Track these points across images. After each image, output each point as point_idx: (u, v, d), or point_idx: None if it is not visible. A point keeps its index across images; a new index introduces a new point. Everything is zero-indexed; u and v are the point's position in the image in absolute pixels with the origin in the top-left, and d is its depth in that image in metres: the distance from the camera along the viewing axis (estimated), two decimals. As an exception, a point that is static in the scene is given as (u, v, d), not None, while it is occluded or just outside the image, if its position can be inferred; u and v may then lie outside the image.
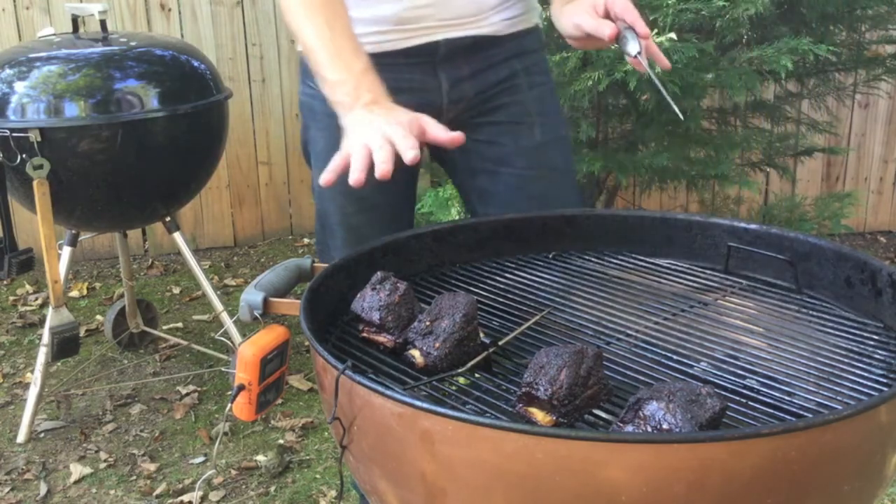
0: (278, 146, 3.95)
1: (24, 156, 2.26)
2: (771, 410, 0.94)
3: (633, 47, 1.31)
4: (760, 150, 3.31)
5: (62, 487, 2.33)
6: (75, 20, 2.61)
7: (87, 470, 2.39)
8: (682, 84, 2.56)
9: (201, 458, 2.45)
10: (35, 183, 2.27)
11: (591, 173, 2.87)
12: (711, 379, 1.00)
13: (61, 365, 2.90)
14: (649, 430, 0.84)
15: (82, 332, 3.07)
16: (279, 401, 2.14)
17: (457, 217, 2.90)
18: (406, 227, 1.64)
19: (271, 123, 3.92)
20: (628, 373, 1.02)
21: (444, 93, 1.54)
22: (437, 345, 1.03)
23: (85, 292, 3.57)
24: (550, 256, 1.40)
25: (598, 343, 1.11)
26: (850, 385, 0.98)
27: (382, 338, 1.10)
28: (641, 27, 1.31)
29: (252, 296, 1.11)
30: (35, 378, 2.53)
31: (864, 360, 1.05)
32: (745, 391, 0.98)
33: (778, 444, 0.80)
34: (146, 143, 2.42)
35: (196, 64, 2.57)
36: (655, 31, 2.49)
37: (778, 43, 2.64)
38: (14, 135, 2.25)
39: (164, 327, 3.18)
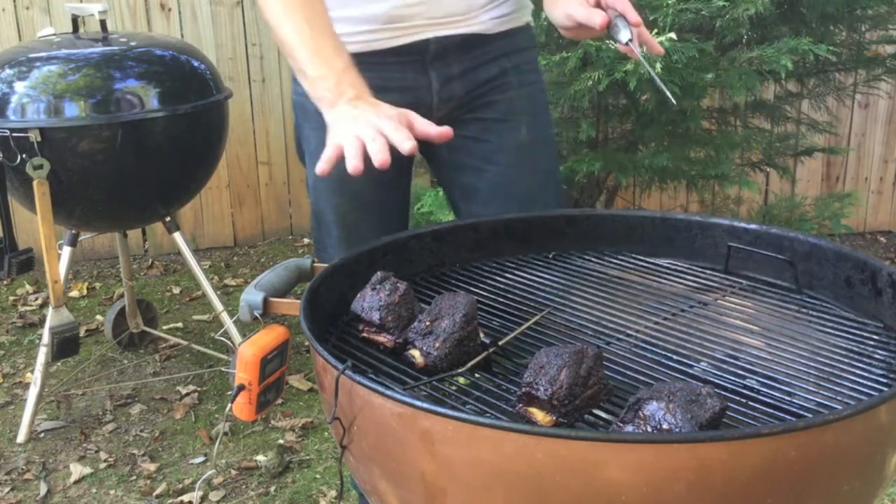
0: (278, 146, 3.95)
1: (24, 156, 2.26)
2: (771, 410, 0.94)
3: (624, 35, 1.32)
4: (760, 150, 3.30)
5: (62, 487, 2.33)
6: (75, 20, 2.61)
7: (87, 470, 2.39)
8: (682, 84, 2.56)
9: (201, 458, 2.44)
10: (35, 183, 2.27)
11: (591, 173, 2.87)
12: (711, 379, 1.00)
13: (61, 365, 2.90)
14: (649, 430, 0.84)
15: (82, 332, 3.07)
16: (279, 401, 2.14)
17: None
18: (401, 225, 1.64)
19: (271, 123, 3.92)
20: (628, 373, 1.02)
21: (435, 92, 1.54)
22: (437, 345, 1.03)
23: (85, 292, 3.57)
24: (550, 256, 1.40)
25: (598, 343, 1.11)
26: (850, 385, 0.98)
27: (382, 338, 1.10)
28: (632, 15, 1.32)
29: (252, 296, 1.11)
30: (35, 378, 2.53)
31: (864, 360, 1.05)
32: (745, 391, 0.98)
33: (778, 444, 0.80)
34: (146, 143, 2.42)
35: (196, 64, 2.57)
36: (655, 31, 2.49)
37: (778, 43, 2.64)
38: (14, 135, 2.25)
39: (164, 327, 3.18)
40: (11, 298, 3.50)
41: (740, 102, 3.07)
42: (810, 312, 1.18)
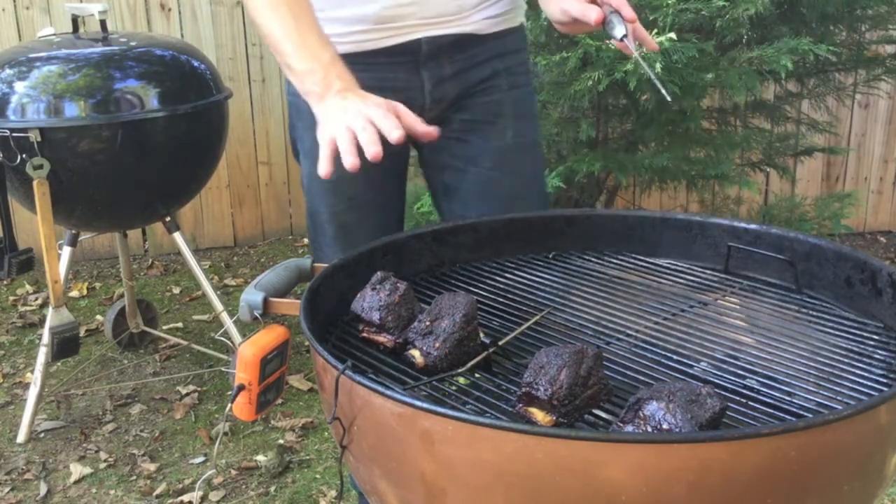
0: (278, 146, 3.95)
1: (24, 156, 2.26)
2: (771, 410, 0.94)
3: (619, 31, 1.32)
4: (760, 150, 3.30)
5: (62, 487, 2.33)
6: (75, 20, 2.61)
7: (87, 470, 2.39)
8: (682, 84, 2.56)
9: (201, 458, 2.44)
10: (35, 183, 2.27)
11: (591, 173, 2.87)
12: (711, 379, 1.00)
13: (61, 365, 2.90)
14: (649, 430, 0.84)
15: (82, 332, 3.07)
16: (279, 401, 2.14)
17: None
18: (396, 224, 1.64)
19: (271, 123, 3.92)
20: (628, 373, 1.02)
21: (427, 92, 1.54)
22: (437, 345, 1.03)
23: (85, 292, 3.57)
24: (550, 256, 1.40)
25: (598, 343, 1.11)
26: (850, 385, 0.98)
27: (382, 338, 1.10)
28: (627, 11, 1.33)
29: (252, 296, 1.11)
30: (35, 378, 2.53)
31: (864, 360, 1.05)
32: (745, 391, 0.98)
33: (778, 444, 0.80)
34: (146, 143, 2.42)
35: (196, 64, 2.57)
36: (655, 30, 2.49)
37: (778, 43, 2.64)
38: (14, 135, 2.25)
39: (164, 327, 3.18)
40: (11, 298, 3.50)
41: (740, 102, 3.07)
42: (810, 312, 1.18)
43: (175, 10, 3.72)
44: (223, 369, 2.87)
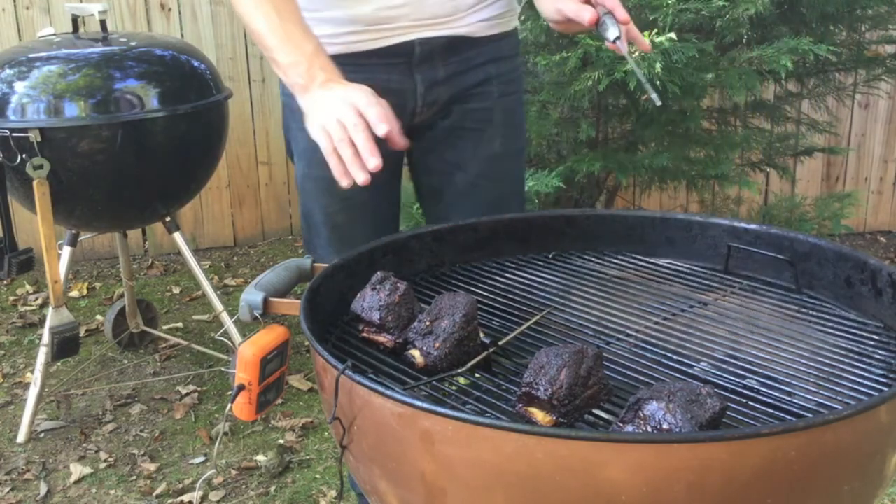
0: (278, 146, 3.95)
1: (24, 156, 2.26)
2: (771, 410, 0.94)
3: (612, 32, 1.33)
4: (760, 150, 3.30)
5: (62, 487, 2.33)
6: (75, 20, 2.60)
7: (87, 470, 2.39)
8: (682, 84, 2.56)
9: (201, 458, 2.44)
10: (35, 183, 2.27)
11: (591, 173, 2.87)
12: (711, 379, 1.00)
13: (61, 365, 2.90)
14: (649, 430, 0.84)
15: (82, 332, 3.07)
16: (279, 401, 2.14)
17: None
18: (390, 225, 1.65)
19: (271, 123, 3.92)
20: (628, 373, 1.02)
21: (419, 95, 1.54)
22: (437, 345, 1.03)
23: (85, 292, 3.57)
24: (550, 256, 1.40)
25: (598, 343, 1.11)
26: (850, 385, 0.98)
27: (382, 338, 1.10)
28: (621, 12, 1.33)
29: (252, 296, 1.11)
30: (35, 378, 2.53)
31: (864, 360, 1.05)
32: (745, 391, 0.98)
33: (778, 444, 0.80)
34: (146, 143, 2.42)
35: (196, 64, 2.57)
36: (655, 30, 2.49)
37: (778, 43, 2.64)
38: (14, 135, 2.25)
39: (164, 327, 3.18)
40: (11, 298, 3.50)
41: (740, 102, 3.07)
42: (810, 312, 1.18)
43: (175, 10, 3.72)
44: (223, 369, 2.87)
